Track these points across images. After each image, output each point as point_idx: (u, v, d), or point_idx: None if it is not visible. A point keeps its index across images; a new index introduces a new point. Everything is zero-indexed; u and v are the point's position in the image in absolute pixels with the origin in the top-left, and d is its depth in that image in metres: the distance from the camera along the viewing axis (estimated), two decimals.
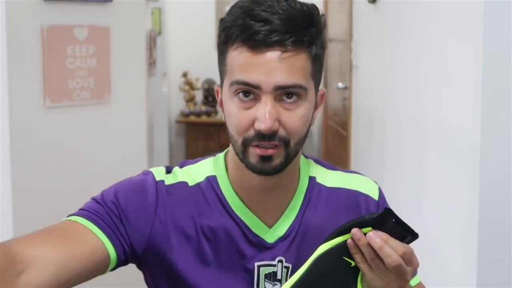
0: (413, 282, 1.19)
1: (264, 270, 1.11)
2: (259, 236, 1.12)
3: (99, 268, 1.06)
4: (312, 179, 1.17)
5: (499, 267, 1.78)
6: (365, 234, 0.97)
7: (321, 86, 1.16)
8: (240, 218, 1.11)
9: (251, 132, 1.03)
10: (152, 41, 3.20)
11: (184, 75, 5.71)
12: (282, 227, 1.13)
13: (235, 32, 1.01)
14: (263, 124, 1.00)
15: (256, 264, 1.11)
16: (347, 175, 1.21)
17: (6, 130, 2.42)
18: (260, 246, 1.11)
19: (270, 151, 1.03)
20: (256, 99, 1.02)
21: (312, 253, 1.01)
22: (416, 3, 2.42)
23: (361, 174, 1.25)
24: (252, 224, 1.12)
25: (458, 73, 1.96)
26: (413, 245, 1.01)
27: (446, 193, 2.06)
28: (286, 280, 1.11)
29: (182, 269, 1.10)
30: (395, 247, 0.96)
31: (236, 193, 1.12)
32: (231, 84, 1.03)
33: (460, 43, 1.93)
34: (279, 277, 1.12)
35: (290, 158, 1.06)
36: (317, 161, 1.22)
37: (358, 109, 3.58)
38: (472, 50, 1.79)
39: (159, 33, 4.99)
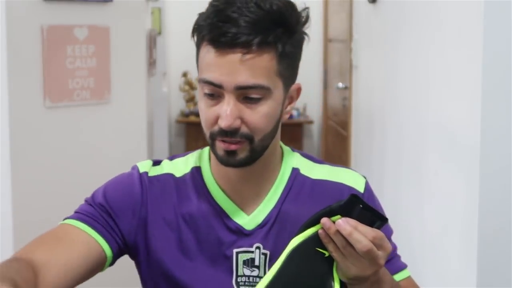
0: (398, 276, 1.20)
1: (243, 257, 1.15)
2: (237, 223, 1.15)
3: (97, 265, 1.12)
4: (295, 170, 1.20)
5: (499, 267, 1.78)
6: (334, 222, 0.99)
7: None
8: (219, 206, 1.16)
9: (216, 128, 1.08)
10: (152, 41, 3.20)
11: (184, 75, 5.71)
12: (260, 215, 1.16)
13: (204, 31, 1.06)
14: (224, 122, 1.05)
15: (235, 250, 1.15)
16: (334, 168, 1.23)
17: (6, 130, 2.42)
18: (239, 233, 1.15)
19: (233, 147, 1.08)
20: (220, 97, 1.07)
21: (286, 246, 1.03)
22: (416, 3, 2.42)
23: (350, 168, 1.26)
24: (231, 211, 1.16)
25: (458, 73, 1.96)
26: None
27: (446, 193, 2.06)
28: (264, 267, 1.15)
29: (164, 257, 1.15)
30: (365, 233, 0.97)
31: (217, 183, 1.17)
32: (199, 81, 1.09)
33: (460, 43, 1.93)
34: (257, 263, 1.15)
35: (256, 152, 1.10)
36: (304, 155, 1.24)
37: (358, 109, 3.58)
38: (472, 50, 1.79)
39: (159, 33, 5.00)
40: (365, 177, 1.24)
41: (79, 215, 1.15)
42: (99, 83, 2.67)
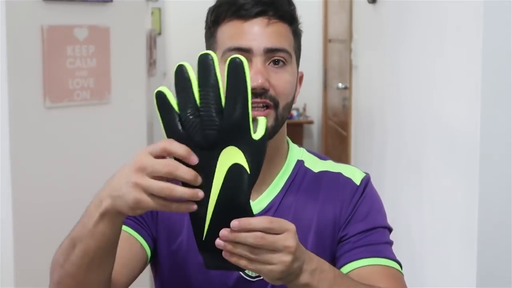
0: (373, 261, 1.15)
1: None
2: None
3: (141, 259, 1.15)
4: (299, 162, 1.23)
5: (499, 267, 1.78)
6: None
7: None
8: None
9: None
10: (152, 41, 3.21)
11: None
12: (263, 201, 1.18)
13: (225, 8, 1.14)
14: (255, 82, 1.08)
15: None
16: (336, 163, 1.26)
17: (6, 130, 2.42)
18: None
19: (262, 113, 1.10)
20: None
21: None
22: (416, 3, 2.42)
23: (353, 166, 1.28)
24: None
25: (458, 73, 1.96)
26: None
27: (446, 193, 2.06)
28: None
29: (175, 246, 1.18)
30: (251, 226, 0.89)
31: None
32: (224, 53, 1.13)
33: (460, 43, 1.93)
34: None
35: (278, 122, 1.14)
36: (310, 151, 1.28)
37: (358, 109, 3.58)
38: (472, 50, 1.79)
39: (159, 33, 5.00)
40: (367, 174, 1.25)
41: None
42: (99, 83, 2.68)
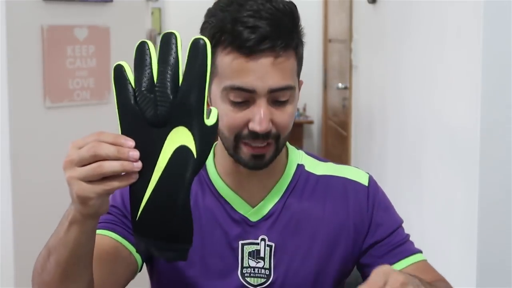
0: (412, 259, 1.19)
1: (248, 248, 1.15)
2: (242, 214, 1.16)
3: (129, 266, 1.11)
4: (300, 167, 1.21)
5: (499, 267, 1.78)
6: None
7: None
8: (224, 199, 1.17)
9: (245, 131, 1.07)
10: (152, 41, 3.21)
11: None
12: (265, 207, 1.17)
13: (227, 38, 1.05)
14: (259, 126, 1.05)
15: (240, 242, 1.15)
16: (338, 166, 1.25)
17: (6, 130, 2.42)
18: (244, 224, 1.16)
19: (263, 150, 1.08)
20: (250, 101, 1.07)
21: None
22: (416, 3, 2.42)
23: (353, 166, 1.28)
24: (236, 203, 1.16)
25: (458, 73, 1.96)
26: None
27: (446, 193, 2.06)
28: (269, 258, 1.15)
29: None
30: None
31: (221, 178, 1.18)
32: (225, 88, 1.06)
33: (460, 43, 1.93)
34: (262, 255, 1.15)
35: (279, 151, 1.12)
36: (308, 153, 1.26)
37: (358, 109, 3.58)
38: (472, 50, 1.79)
39: (159, 33, 4.99)
40: (368, 173, 1.25)
41: (104, 225, 1.13)
42: (99, 83, 2.68)
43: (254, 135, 1.06)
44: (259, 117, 1.05)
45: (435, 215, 2.18)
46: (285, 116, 1.08)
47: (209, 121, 0.86)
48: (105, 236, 1.11)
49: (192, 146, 0.85)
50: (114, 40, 2.71)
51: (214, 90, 1.10)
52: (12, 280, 2.45)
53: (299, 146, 1.29)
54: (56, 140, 2.57)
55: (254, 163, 1.10)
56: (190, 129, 0.85)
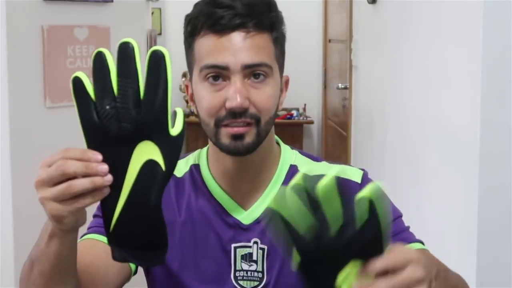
0: (411, 247, 1.16)
1: (241, 251, 1.16)
2: (235, 218, 1.16)
3: (122, 269, 1.11)
4: (293, 167, 1.20)
5: (499, 267, 1.78)
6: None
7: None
8: (217, 202, 1.17)
9: (223, 112, 1.08)
10: (152, 41, 3.20)
11: (184, 75, 5.71)
12: (257, 210, 1.16)
13: (201, 21, 1.08)
14: (234, 102, 1.05)
15: (233, 245, 1.16)
16: (331, 165, 1.23)
17: (6, 130, 2.42)
18: (236, 228, 1.16)
19: (242, 129, 1.08)
20: (226, 80, 1.08)
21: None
22: (416, 3, 2.42)
23: (348, 165, 1.27)
24: (229, 207, 1.17)
25: (458, 73, 1.96)
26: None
27: (446, 193, 2.07)
28: (262, 261, 1.15)
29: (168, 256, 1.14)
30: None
31: (215, 180, 1.18)
32: (201, 70, 1.09)
33: (460, 43, 1.93)
34: (254, 258, 1.16)
35: (261, 137, 1.10)
36: (303, 153, 1.25)
37: (358, 109, 3.58)
38: (472, 50, 1.80)
39: (159, 33, 5.00)
40: (364, 170, 1.25)
41: (94, 229, 1.14)
42: None
43: (231, 114, 1.07)
44: (233, 92, 1.06)
45: (435, 215, 2.18)
46: (263, 96, 1.08)
47: (175, 130, 0.85)
48: (96, 241, 1.11)
49: (159, 159, 0.84)
50: (114, 40, 2.71)
51: (194, 78, 1.12)
52: (12, 280, 2.45)
53: (299, 146, 1.28)
54: (56, 140, 2.57)
55: (234, 146, 1.08)
56: (156, 143, 0.84)
